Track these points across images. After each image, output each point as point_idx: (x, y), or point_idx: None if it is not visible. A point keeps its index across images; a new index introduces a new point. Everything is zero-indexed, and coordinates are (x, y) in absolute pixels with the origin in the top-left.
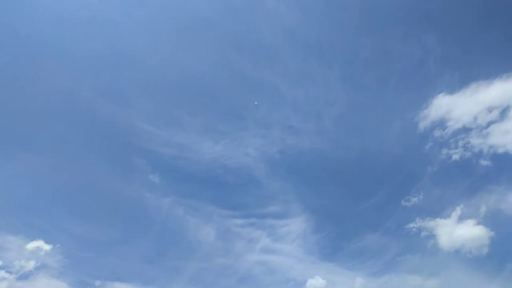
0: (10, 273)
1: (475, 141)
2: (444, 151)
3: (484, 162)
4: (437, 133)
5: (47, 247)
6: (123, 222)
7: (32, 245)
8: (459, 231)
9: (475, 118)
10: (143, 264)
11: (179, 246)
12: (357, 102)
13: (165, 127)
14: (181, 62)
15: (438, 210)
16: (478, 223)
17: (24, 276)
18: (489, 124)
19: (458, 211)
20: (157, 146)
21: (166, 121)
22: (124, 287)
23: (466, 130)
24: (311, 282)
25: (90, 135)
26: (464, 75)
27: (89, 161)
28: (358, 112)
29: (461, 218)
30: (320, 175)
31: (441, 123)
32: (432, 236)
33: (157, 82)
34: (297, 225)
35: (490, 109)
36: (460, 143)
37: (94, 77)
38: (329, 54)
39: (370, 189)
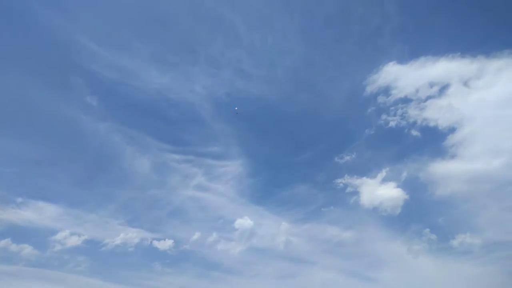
0: None
1: (412, 112)
2: (384, 117)
3: (414, 133)
4: (381, 99)
5: None
6: (53, 142)
7: None
8: (380, 191)
9: (417, 91)
10: (72, 187)
11: (112, 173)
12: (312, 57)
13: (110, 48)
14: None
15: (366, 170)
16: (398, 186)
17: None
18: (428, 98)
19: (383, 173)
20: (99, 67)
21: (112, 41)
22: (49, 207)
23: (406, 100)
24: (239, 221)
25: (23, 45)
26: (415, 48)
27: (20, 73)
28: (311, 67)
29: (384, 180)
30: (264, 123)
31: (386, 90)
32: (356, 192)
33: None
34: (234, 167)
35: (431, 85)
36: (399, 112)
37: None
38: (293, 3)
39: (309, 142)
